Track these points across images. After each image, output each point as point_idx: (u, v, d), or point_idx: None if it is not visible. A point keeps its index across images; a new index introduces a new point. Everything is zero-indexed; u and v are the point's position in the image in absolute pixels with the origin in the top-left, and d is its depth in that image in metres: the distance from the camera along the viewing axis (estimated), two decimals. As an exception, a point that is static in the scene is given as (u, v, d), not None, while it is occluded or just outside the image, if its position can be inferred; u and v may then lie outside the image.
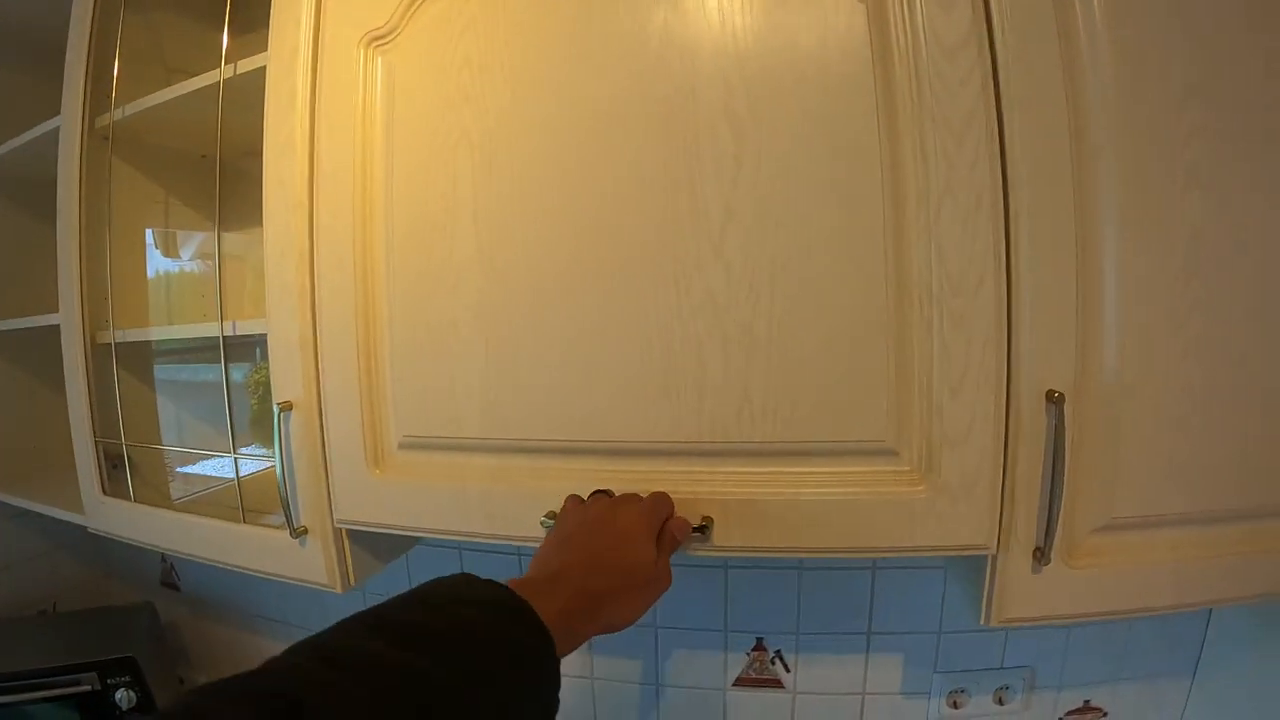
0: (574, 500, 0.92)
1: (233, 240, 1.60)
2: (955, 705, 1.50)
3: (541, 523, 0.94)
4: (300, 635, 1.43)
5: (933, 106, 0.82)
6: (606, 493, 0.91)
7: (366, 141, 1.00)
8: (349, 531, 1.10)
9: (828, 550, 0.89)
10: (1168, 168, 0.84)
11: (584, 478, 0.95)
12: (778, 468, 0.90)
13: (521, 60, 0.93)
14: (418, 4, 0.99)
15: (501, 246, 0.95)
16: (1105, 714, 1.49)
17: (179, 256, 1.60)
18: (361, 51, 1.01)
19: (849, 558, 0.94)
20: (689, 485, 0.91)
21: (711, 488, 0.91)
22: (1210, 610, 1.39)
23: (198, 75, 1.21)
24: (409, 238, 0.99)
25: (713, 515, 0.91)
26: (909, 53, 0.83)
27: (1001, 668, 1.48)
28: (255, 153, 1.06)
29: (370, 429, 1.03)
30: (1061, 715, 1.50)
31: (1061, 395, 0.83)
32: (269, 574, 1.18)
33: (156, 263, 1.55)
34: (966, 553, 0.88)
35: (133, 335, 1.38)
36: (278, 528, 1.12)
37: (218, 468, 1.51)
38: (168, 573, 2.07)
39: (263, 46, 1.08)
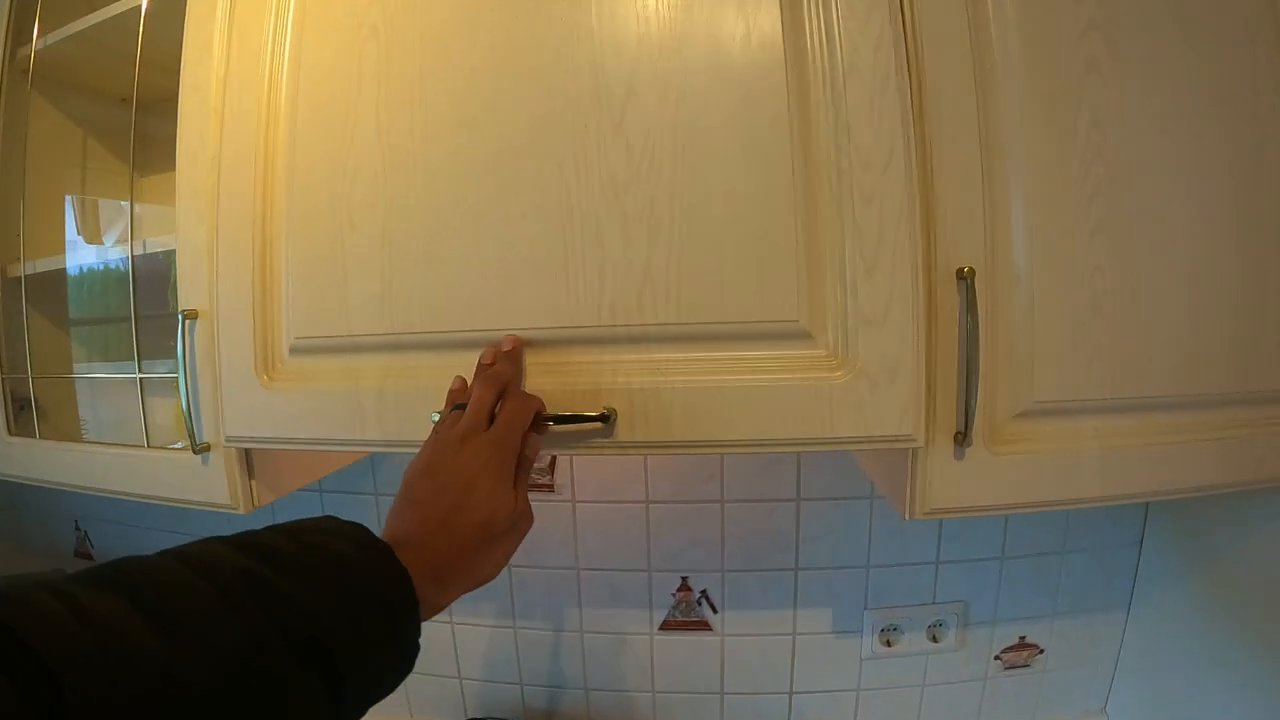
0: (434, 429, 0.87)
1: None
2: (888, 644, 1.51)
3: (433, 420, 0.91)
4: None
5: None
6: (461, 407, 0.86)
7: (276, 45, 1.01)
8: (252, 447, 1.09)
9: (740, 443, 0.87)
10: (1067, 56, 0.89)
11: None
12: (684, 353, 0.89)
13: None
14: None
15: (402, 133, 0.94)
16: (1041, 650, 1.50)
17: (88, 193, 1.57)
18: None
19: (764, 452, 0.88)
20: (591, 375, 0.90)
21: (615, 377, 0.90)
22: (1141, 540, 1.42)
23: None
24: (312, 133, 0.98)
25: (616, 407, 0.89)
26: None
27: (934, 603, 1.49)
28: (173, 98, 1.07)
29: (262, 334, 1.02)
30: (997, 653, 1.51)
31: (971, 271, 0.85)
32: (174, 500, 1.17)
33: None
34: (893, 445, 0.86)
35: (43, 265, 1.38)
36: (182, 450, 1.11)
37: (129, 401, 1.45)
38: (81, 541, 2.04)
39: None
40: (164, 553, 0.58)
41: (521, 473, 0.84)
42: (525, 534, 0.83)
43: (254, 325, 1.00)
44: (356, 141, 0.95)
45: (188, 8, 1.04)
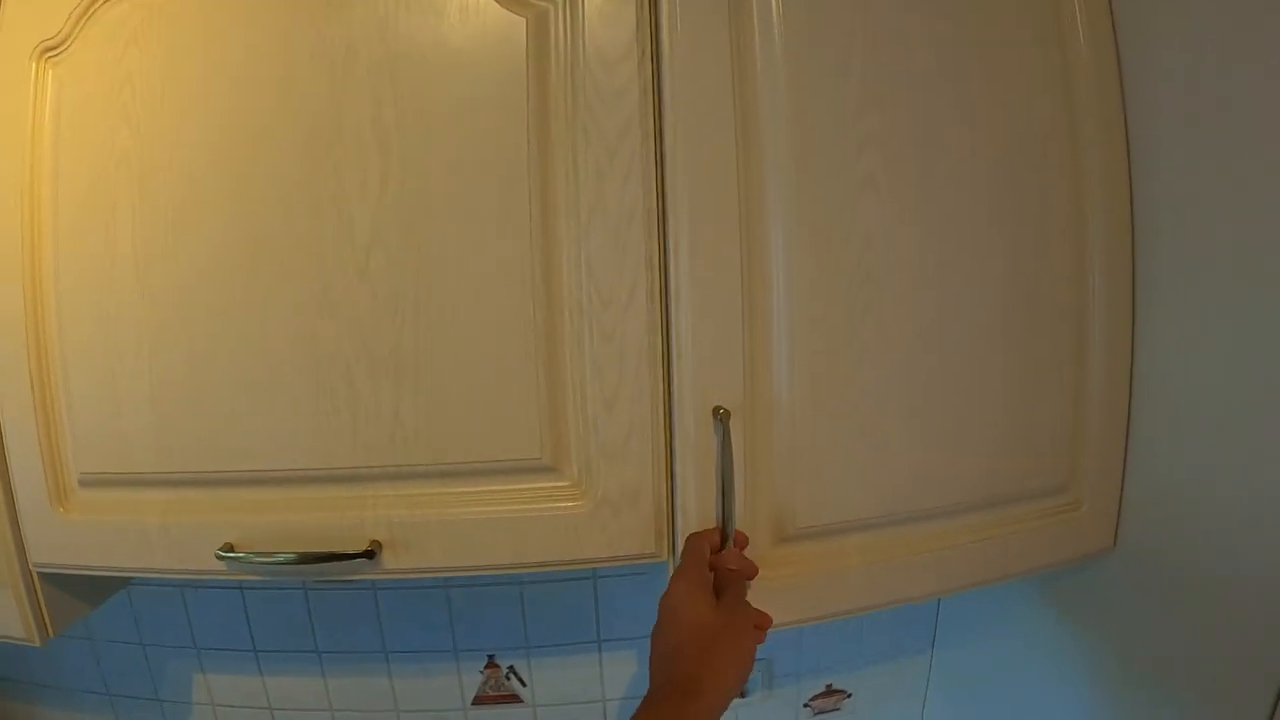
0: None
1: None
2: (696, 703, 1.50)
3: (217, 555, 0.92)
4: (37, 694, 1.50)
5: (587, 120, 0.86)
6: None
7: (36, 166, 0.94)
8: (44, 576, 1.04)
9: (495, 567, 0.92)
10: (842, 175, 0.90)
11: (254, 507, 0.94)
12: (436, 489, 0.92)
13: (176, 78, 0.91)
14: (90, 13, 0.92)
15: (159, 276, 0.92)
16: (849, 695, 1.55)
17: None
18: (34, 64, 0.93)
19: (521, 573, 0.94)
20: (355, 510, 0.92)
21: (376, 511, 0.92)
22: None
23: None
24: (74, 258, 0.94)
25: (380, 539, 0.91)
26: (567, 68, 0.86)
27: (737, 663, 1.50)
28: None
29: (51, 465, 0.98)
30: (806, 700, 1.54)
31: (727, 412, 0.87)
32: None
33: None
34: (638, 562, 0.92)
35: None
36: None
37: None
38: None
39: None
40: None
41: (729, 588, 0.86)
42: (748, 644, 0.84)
43: (42, 457, 0.97)
44: (116, 276, 0.92)
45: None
